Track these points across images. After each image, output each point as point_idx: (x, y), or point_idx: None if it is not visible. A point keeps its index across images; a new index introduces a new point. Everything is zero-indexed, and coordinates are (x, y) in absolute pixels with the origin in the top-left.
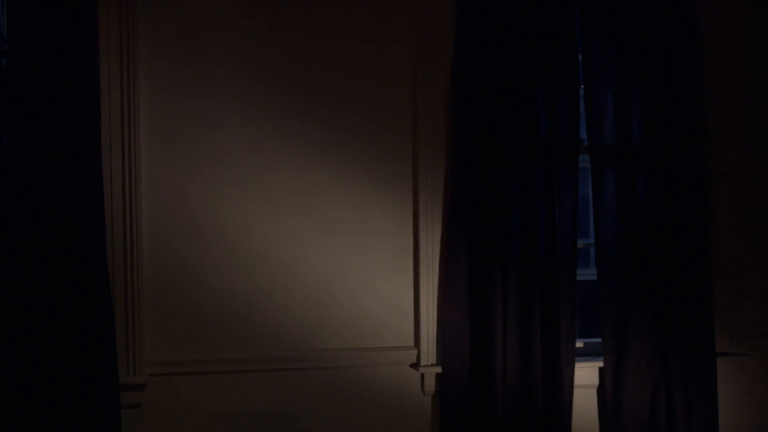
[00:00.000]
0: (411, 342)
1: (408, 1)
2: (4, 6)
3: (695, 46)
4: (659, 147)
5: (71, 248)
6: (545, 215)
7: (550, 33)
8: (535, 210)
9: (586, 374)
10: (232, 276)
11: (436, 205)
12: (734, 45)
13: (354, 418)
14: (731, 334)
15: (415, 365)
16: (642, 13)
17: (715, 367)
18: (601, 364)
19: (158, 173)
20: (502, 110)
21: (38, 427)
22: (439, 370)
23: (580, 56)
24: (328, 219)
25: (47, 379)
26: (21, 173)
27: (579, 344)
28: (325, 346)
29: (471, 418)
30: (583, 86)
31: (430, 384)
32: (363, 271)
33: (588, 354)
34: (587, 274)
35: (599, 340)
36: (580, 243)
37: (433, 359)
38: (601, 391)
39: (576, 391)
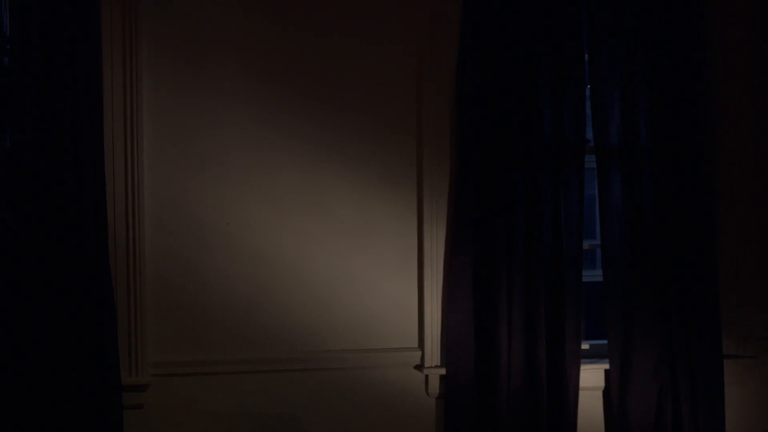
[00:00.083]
0: (415, 343)
1: (412, 0)
2: (8, 4)
3: (702, 45)
4: (666, 147)
5: (73, 248)
6: (551, 216)
7: (556, 32)
8: (541, 210)
9: (592, 376)
10: (235, 276)
11: (440, 206)
12: (742, 45)
13: (357, 419)
14: (738, 337)
15: (419, 367)
16: (649, 13)
17: (722, 369)
18: (606, 366)
19: (161, 173)
20: (507, 110)
21: (40, 427)
22: (443, 371)
23: (586, 55)
24: (332, 219)
25: (49, 379)
26: (23, 172)
27: (584, 346)
28: (329, 347)
29: (475, 420)
30: (589, 86)
31: (434, 385)
32: (367, 271)
33: (594, 356)
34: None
35: (605, 341)
36: (586, 244)
37: (437, 361)
38: (606, 393)
39: (581, 393)
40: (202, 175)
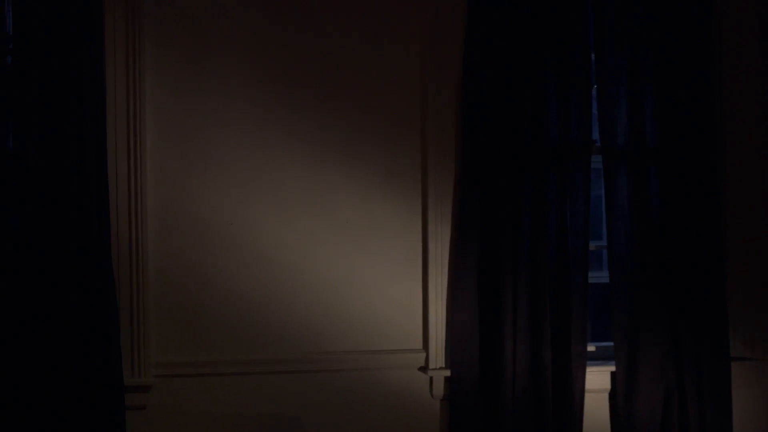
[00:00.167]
0: (419, 345)
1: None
2: (10, 4)
3: (711, 44)
4: (673, 148)
5: (76, 248)
6: (556, 216)
7: (562, 32)
8: (547, 211)
9: (598, 378)
10: (238, 276)
11: (445, 206)
12: (750, 44)
13: (361, 421)
14: (746, 339)
15: (424, 368)
16: (656, 12)
17: (730, 372)
18: (613, 368)
19: (164, 172)
20: (513, 110)
21: (43, 428)
22: (447, 373)
23: (592, 55)
24: (336, 219)
25: (51, 380)
26: (26, 172)
27: (590, 348)
28: (332, 349)
29: (480, 422)
30: (595, 86)
31: (439, 387)
32: (371, 272)
33: (600, 358)
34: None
35: (611, 343)
36: (593, 245)
37: (441, 362)
38: (612, 395)
39: (587, 395)
40: (205, 175)
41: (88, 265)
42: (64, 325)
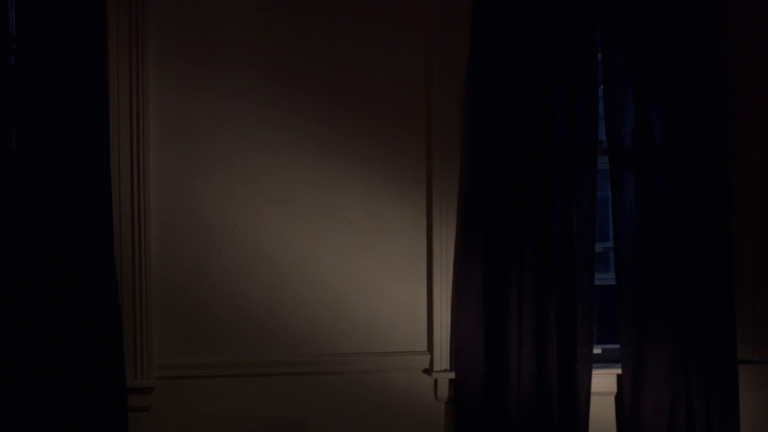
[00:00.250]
0: (424, 347)
1: (424, 0)
2: (14, 3)
3: (719, 44)
4: (681, 149)
5: (79, 249)
6: (562, 218)
7: (568, 32)
8: (552, 213)
9: (604, 381)
10: (242, 278)
11: (450, 208)
12: (760, 43)
13: (365, 424)
14: (754, 342)
15: (428, 370)
16: (663, 12)
17: (737, 375)
18: (619, 370)
19: (167, 173)
20: (518, 110)
21: (45, 429)
22: (452, 375)
23: (599, 55)
24: (340, 220)
25: (54, 381)
26: (29, 172)
27: (597, 350)
28: (336, 350)
29: (485, 425)
30: (602, 86)
31: (444, 390)
32: (375, 274)
33: (606, 360)
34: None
35: (617, 346)
36: (599, 247)
37: (446, 364)
38: (619, 398)
39: (593, 398)
40: (208, 176)
41: (91, 265)
42: (66, 326)
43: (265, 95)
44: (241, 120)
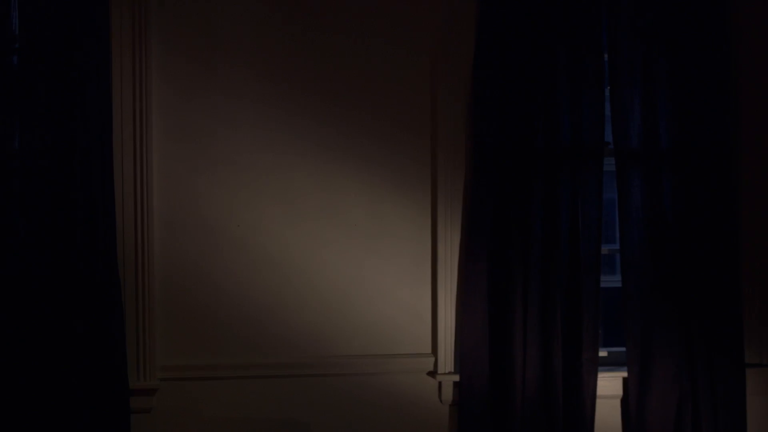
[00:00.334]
0: (428, 349)
1: (428, 0)
2: (16, 3)
3: (726, 44)
4: (688, 150)
5: (81, 250)
6: (568, 220)
7: (574, 32)
8: (558, 215)
9: (610, 384)
10: (245, 279)
11: (455, 209)
12: (767, 43)
13: (369, 426)
14: (761, 345)
15: (433, 373)
16: (671, 12)
17: (744, 379)
18: (625, 374)
19: (171, 173)
20: (524, 112)
21: (47, 430)
22: (456, 378)
23: (605, 56)
24: (344, 222)
25: (56, 382)
26: (32, 173)
27: (602, 353)
28: (340, 353)
29: (489, 429)
30: (608, 87)
31: (448, 393)
32: (379, 276)
33: (612, 363)
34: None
35: (623, 349)
36: (605, 249)
37: (450, 367)
38: (624, 402)
39: (599, 401)
40: (212, 177)
41: (94, 266)
42: (68, 327)
43: (269, 96)
44: (244, 120)
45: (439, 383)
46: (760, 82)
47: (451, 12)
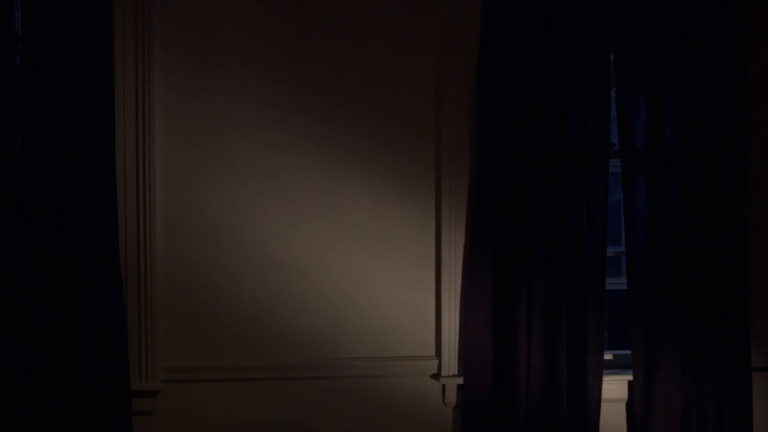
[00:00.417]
0: (432, 352)
1: (432, 1)
2: (19, 3)
3: (733, 44)
4: (694, 151)
5: (83, 250)
6: (573, 222)
7: (580, 32)
8: (563, 217)
9: (615, 388)
10: (248, 281)
11: (459, 211)
12: None
13: (372, 429)
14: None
15: (436, 376)
16: (677, 12)
17: (751, 382)
18: (630, 377)
19: (173, 174)
20: (529, 113)
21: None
22: (460, 381)
23: (611, 56)
24: (348, 224)
25: (58, 383)
26: (34, 173)
27: (608, 356)
28: (343, 355)
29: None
30: (614, 88)
31: (452, 395)
32: (383, 277)
33: (617, 367)
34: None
35: (629, 352)
36: (611, 251)
37: (454, 370)
38: (630, 405)
39: (604, 405)
40: (215, 177)
41: (96, 267)
42: (71, 328)
43: (272, 97)
44: (247, 122)
45: (443, 386)
46: (766, 83)
47: (455, 13)
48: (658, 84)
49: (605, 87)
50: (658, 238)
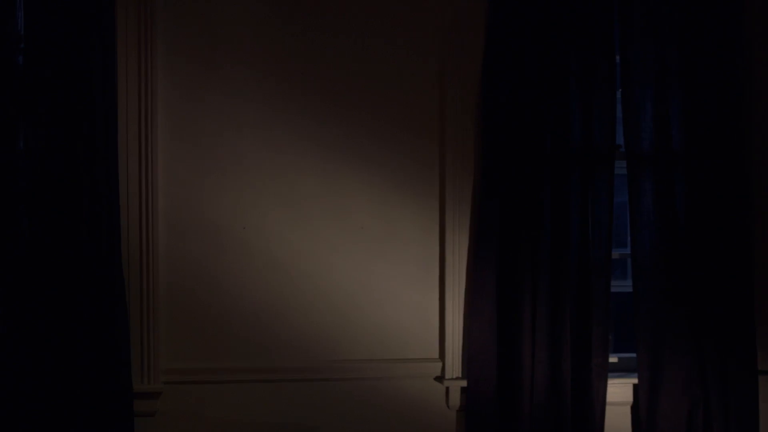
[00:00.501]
0: (436, 354)
1: (436, 1)
2: (22, 3)
3: (740, 46)
4: (700, 153)
5: (86, 251)
6: (578, 224)
7: (585, 33)
8: (568, 218)
9: (620, 391)
10: (251, 282)
11: (463, 213)
12: None
13: (376, 431)
14: None
15: (440, 378)
16: (683, 12)
17: (757, 385)
18: (635, 380)
19: (176, 175)
20: (534, 114)
21: None
22: (464, 383)
23: (617, 57)
24: (352, 225)
25: (59, 384)
26: (36, 173)
27: (612, 359)
28: (346, 357)
29: None
30: (620, 89)
31: (455, 398)
32: (386, 279)
33: (622, 369)
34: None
35: (634, 354)
36: (616, 253)
37: (458, 372)
38: (635, 409)
39: (608, 408)
40: (217, 178)
41: (98, 268)
42: (73, 329)
43: (276, 98)
44: (250, 122)
45: (447, 388)
46: None
47: (460, 15)
48: (664, 85)
49: (611, 88)
50: (664, 240)
